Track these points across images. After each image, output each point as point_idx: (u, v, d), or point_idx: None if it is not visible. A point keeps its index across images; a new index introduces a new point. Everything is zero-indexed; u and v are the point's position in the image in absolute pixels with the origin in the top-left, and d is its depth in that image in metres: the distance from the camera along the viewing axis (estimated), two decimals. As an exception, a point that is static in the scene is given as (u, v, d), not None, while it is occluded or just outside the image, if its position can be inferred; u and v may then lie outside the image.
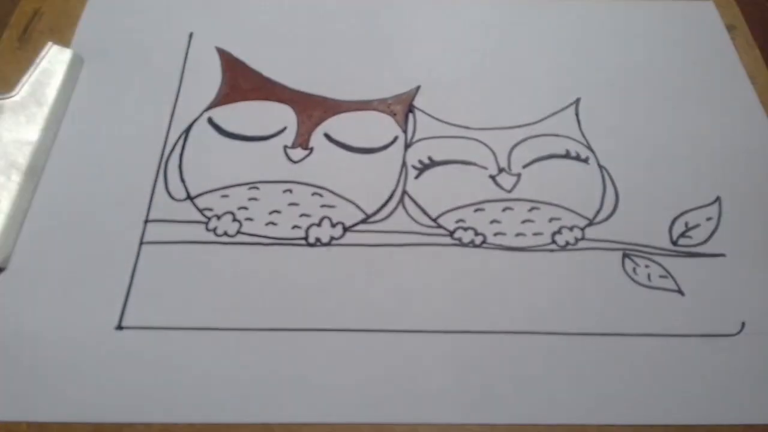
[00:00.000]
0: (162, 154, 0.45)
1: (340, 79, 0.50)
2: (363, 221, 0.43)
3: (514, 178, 0.45)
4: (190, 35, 0.52)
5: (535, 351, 0.38)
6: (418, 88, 0.50)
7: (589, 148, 0.47)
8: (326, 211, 0.43)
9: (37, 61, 0.47)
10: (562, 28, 0.54)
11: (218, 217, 0.42)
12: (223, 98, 0.48)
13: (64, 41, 0.50)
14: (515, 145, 0.46)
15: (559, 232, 0.43)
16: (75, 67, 0.48)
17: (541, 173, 0.45)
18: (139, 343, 0.37)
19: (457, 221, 0.43)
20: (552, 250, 0.42)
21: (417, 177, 0.45)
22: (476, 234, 0.42)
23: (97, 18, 0.52)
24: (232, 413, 0.36)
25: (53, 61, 0.47)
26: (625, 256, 0.42)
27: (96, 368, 0.36)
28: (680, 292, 0.41)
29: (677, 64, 0.52)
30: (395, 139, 0.47)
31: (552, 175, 0.45)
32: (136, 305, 0.39)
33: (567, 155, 0.46)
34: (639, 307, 0.40)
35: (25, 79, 0.46)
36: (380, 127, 0.47)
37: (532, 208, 0.43)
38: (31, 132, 0.44)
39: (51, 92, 0.46)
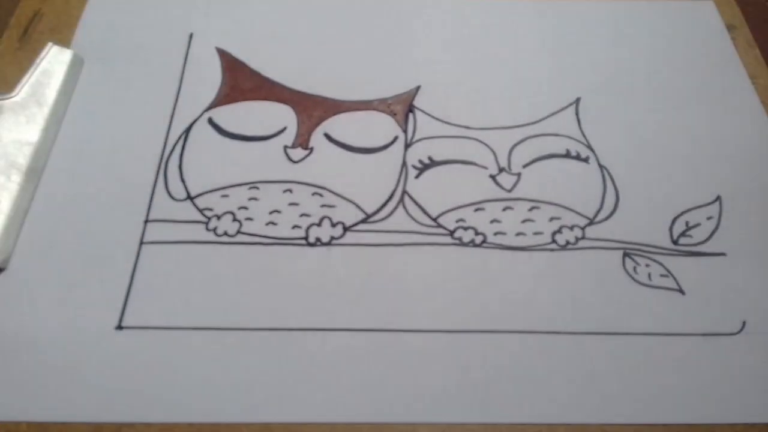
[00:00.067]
0: (162, 154, 0.45)
1: (340, 79, 0.50)
2: (363, 221, 0.43)
3: (515, 178, 0.45)
4: (190, 35, 0.52)
5: (535, 350, 0.38)
6: (418, 88, 0.50)
7: (590, 147, 0.47)
8: (326, 211, 0.43)
9: (38, 61, 0.47)
10: (562, 28, 0.54)
11: (218, 217, 0.42)
12: (223, 98, 0.48)
13: (64, 42, 0.50)
14: (515, 145, 0.46)
15: (559, 231, 0.43)
16: (75, 67, 0.48)
17: (541, 173, 0.45)
18: (139, 343, 0.37)
19: (458, 221, 0.43)
20: (552, 250, 0.42)
21: (417, 177, 0.45)
22: (476, 233, 0.42)
23: (97, 18, 0.52)
24: (232, 413, 0.36)
25: (53, 62, 0.47)
26: (625, 255, 0.42)
27: (96, 368, 0.36)
28: (681, 291, 0.41)
29: (677, 63, 0.52)
30: (395, 138, 0.47)
31: (552, 175, 0.45)
32: (136, 305, 0.39)
33: (567, 155, 0.46)
34: (639, 306, 0.40)
35: (25, 79, 0.46)
36: (380, 127, 0.47)
37: (532, 208, 0.43)
38: (32, 132, 0.44)
39: (51, 93, 0.46)
